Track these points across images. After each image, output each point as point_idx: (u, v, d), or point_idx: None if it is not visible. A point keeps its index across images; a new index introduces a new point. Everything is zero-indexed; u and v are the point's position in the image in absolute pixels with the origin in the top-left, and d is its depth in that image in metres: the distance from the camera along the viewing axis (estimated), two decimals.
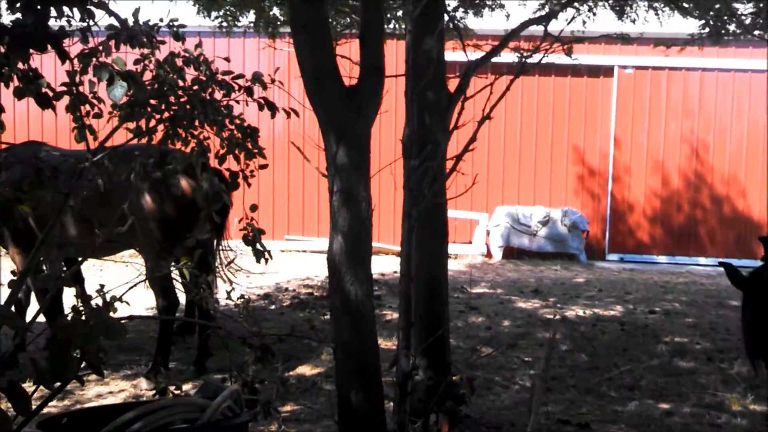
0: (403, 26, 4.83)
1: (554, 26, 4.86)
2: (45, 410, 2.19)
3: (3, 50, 2.65)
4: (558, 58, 4.94)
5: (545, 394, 4.75)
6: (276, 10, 6.58)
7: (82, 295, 6.12)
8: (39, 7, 1.82)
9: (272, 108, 3.47)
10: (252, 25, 6.78)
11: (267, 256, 3.08)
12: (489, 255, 11.73)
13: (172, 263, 3.47)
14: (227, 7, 6.35)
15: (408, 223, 3.52)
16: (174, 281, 5.11)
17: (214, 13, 6.42)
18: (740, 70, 11.86)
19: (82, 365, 1.94)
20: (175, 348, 5.72)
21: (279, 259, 10.69)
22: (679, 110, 12.08)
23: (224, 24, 6.59)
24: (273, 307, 7.60)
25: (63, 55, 1.95)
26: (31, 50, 2.01)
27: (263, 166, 3.54)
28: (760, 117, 11.76)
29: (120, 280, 3.00)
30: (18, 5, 1.84)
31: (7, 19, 2.47)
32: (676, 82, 12.06)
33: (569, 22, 4.85)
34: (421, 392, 3.68)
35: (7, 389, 1.84)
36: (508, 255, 11.67)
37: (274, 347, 3.10)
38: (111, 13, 2.44)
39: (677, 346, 6.10)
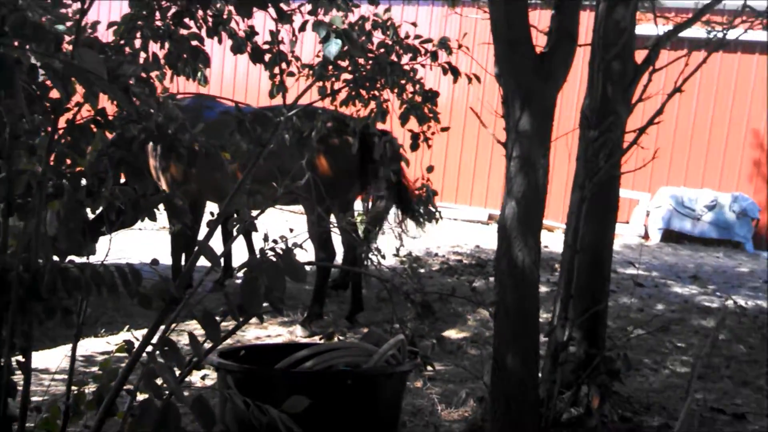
0: None
1: None
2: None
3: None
4: (746, 33, 4.68)
5: (698, 381, 4.63)
6: None
7: (252, 242, 6.60)
8: None
9: (455, 73, 3.57)
10: None
11: (438, 216, 3.20)
12: (646, 237, 11.34)
13: (344, 218, 3.69)
14: None
15: (580, 194, 3.54)
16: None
17: None
18: None
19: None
20: (329, 301, 6.03)
21: (429, 225, 10.86)
22: None
23: None
24: (422, 270, 7.75)
25: (282, 15, 2.12)
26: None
27: (445, 129, 3.65)
28: None
29: (280, 231, 3.21)
30: None
31: None
32: None
33: None
34: (572, 364, 3.71)
35: (202, 317, 2.07)
36: (666, 238, 11.21)
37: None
38: None
39: None
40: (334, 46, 2.57)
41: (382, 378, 2.72)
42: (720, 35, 4.31)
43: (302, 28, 2.92)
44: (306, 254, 2.95)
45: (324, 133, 4.80)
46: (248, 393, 2.14)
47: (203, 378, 3.90)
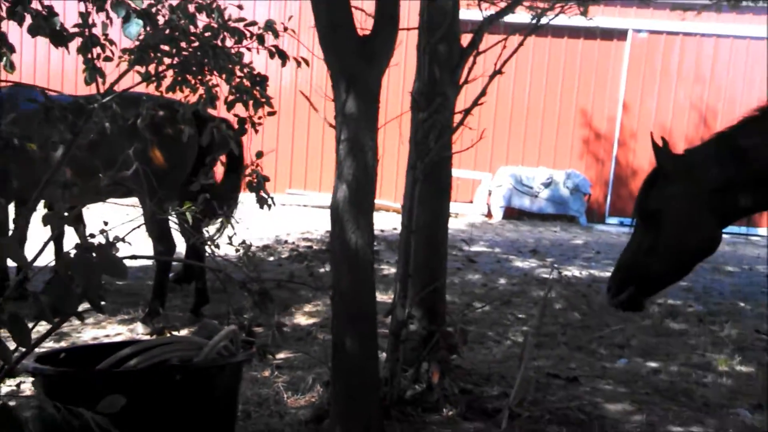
0: None
1: None
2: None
3: None
4: (571, 19, 4.94)
5: (536, 349, 4.86)
6: None
7: (84, 235, 6.24)
8: None
9: (283, 56, 3.50)
10: None
11: (270, 202, 3.14)
12: (489, 215, 11.81)
13: (174, 208, 3.54)
14: None
15: (412, 175, 3.59)
16: (173, 228, 5.19)
17: None
18: (755, 38, 11.78)
19: (83, 303, 2.02)
20: (173, 296, 5.82)
21: (279, 213, 10.81)
22: (691, 77, 12.03)
23: None
24: (272, 258, 7.69)
25: None
26: None
27: (272, 113, 3.58)
28: None
29: (120, 225, 3.06)
30: None
31: None
32: (690, 47, 12.00)
33: None
34: (414, 342, 3.78)
35: (9, 321, 1.91)
36: (508, 215, 11.75)
37: (272, 294, 3.18)
38: None
39: (670, 308, 6.21)
40: (135, 27, 2.44)
41: (213, 371, 2.64)
42: (544, 20, 4.51)
43: (100, 8, 2.75)
44: (130, 248, 2.81)
45: (150, 120, 4.59)
46: (68, 397, 2.00)
47: (18, 386, 3.63)
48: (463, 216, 11.67)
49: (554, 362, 4.75)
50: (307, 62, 3.66)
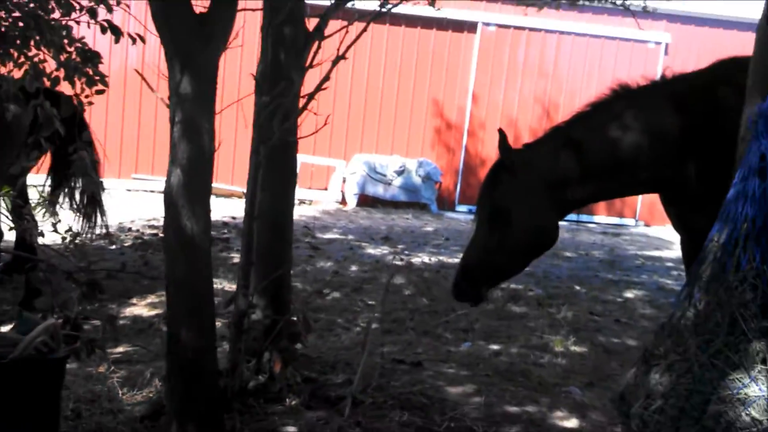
0: None
1: None
2: None
3: None
4: (424, 10, 4.99)
5: (384, 335, 4.91)
6: None
7: None
8: None
9: (116, 32, 3.30)
10: None
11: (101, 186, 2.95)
12: (344, 202, 11.84)
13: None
14: None
15: (255, 160, 3.49)
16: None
17: None
18: (594, 36, 12.51)
19: None
20: (1, 288, 5.39)
21: (124, 199, 10.32)
22: (535, 71, 12.57)
23: None
24: (113, 247, 7.30)
25: None
26: None
27: (100, 92, 3.36)
28: (607, 81, 12.41)
29: None
30: None
31: None
32: (535, 43, 12.53)
33: None
34: (257, 331, 3.69)
35: None
36: (362, 203, 11.83)
37: (106, 285, 2.99)
38: None
39: (512, 292, 6.45)
40: None
41: (27, 368, 2.44)
42: (392, 8, 4.52)
43: None
44: None
45: None
46: None
47: None
48: (318, 203, 11.63)
49: (402, 347, 4.80)
50: (143, 39, 3.47)
